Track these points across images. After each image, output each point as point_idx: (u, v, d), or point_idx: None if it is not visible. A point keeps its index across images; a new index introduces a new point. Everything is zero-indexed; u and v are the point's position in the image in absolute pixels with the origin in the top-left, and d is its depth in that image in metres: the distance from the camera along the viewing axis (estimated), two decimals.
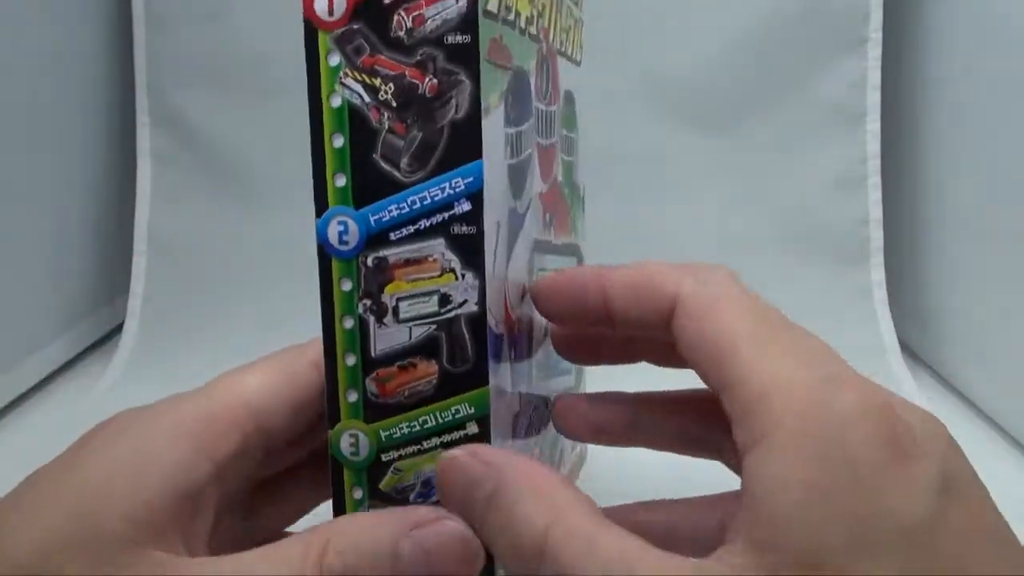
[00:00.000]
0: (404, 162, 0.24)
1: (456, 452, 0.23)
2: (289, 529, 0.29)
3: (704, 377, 0.23)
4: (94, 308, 0.64)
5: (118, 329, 0.64)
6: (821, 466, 0.19)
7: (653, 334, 0.25)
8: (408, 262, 0.24)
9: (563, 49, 0.32)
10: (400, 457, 0.24)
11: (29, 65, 0.55)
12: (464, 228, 0.23)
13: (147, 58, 0.64)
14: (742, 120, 0.65)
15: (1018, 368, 0.51)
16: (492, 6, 0.23)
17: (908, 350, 0.63)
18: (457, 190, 0.23)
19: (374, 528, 0.22)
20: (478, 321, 0.24)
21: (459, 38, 0.23)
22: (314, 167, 0.24)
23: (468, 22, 0.23)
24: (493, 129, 0.24)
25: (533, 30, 0.28)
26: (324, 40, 0.23)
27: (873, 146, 0.64)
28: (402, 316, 0.24)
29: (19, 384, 0.54)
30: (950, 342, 0.60)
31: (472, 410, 0.24)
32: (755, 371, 0.21)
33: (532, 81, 0.28)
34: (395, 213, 0.24)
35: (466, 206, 0.23)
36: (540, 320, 0.29)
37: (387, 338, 0.24)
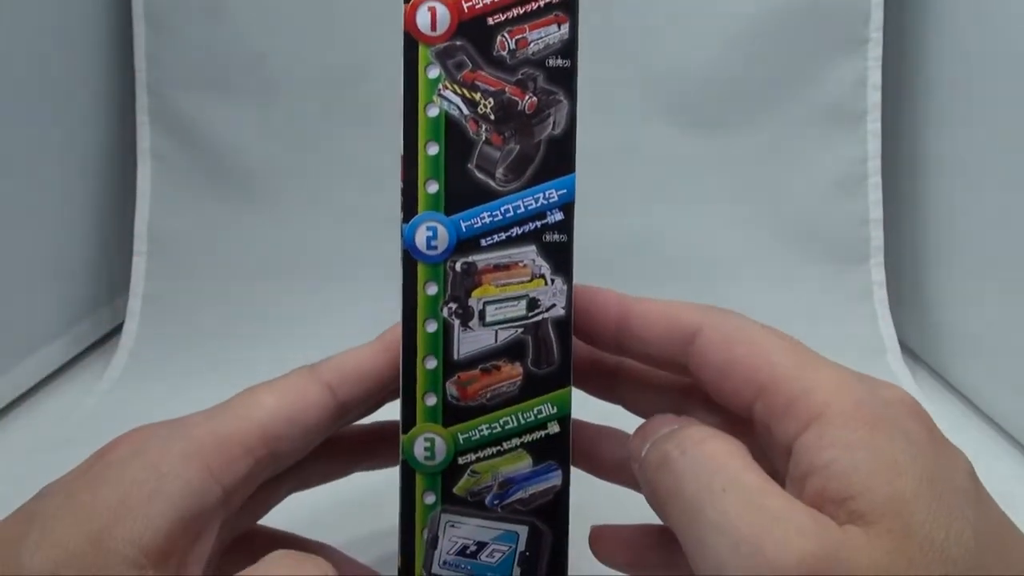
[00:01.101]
0: (500, 172, 0.25)
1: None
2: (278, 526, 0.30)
3: (731, 393, 0.24)
4: (94, 308, 0.64)
5: (118, 329, 0.64)
6: (879, 432, 0.21)
7: (663, 364, 0.27)
8: (497, 267, 0.25)
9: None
10: (478, 459, 0.25)
11: (28, 65, 0.55)
12: (556, 236, 0.25)
13: (147, 58, 0.64)
14: (742, 120, 0.65)
15: (1018, 368, 0.51)
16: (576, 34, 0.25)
17: (908, 350, 0.63)
18: (551, 201, 0.25)
19: None
20: (565, 324, 0.25)
21: (560, 62, 0.25)
22: (406, 174, 0.25)
23: (569, 48, 0.25)
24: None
25: None
26: (424, 53, 0.25)
27: (873, 146, 0.64)
28: (489, 319, 0.25)
29: (19, 384, 0.54)
30: (950, 342, 0.60)
31: (555, 410, 0.26)
32: (794, 373, 0.23)
33: None
34: (487, 220, 0.25)
35: (559, 216, 0.25)
36: None
37: (471, 341, 0.25)
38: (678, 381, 0.28)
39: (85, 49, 0.62)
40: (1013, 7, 0.51)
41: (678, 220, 0.65)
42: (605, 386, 0.30)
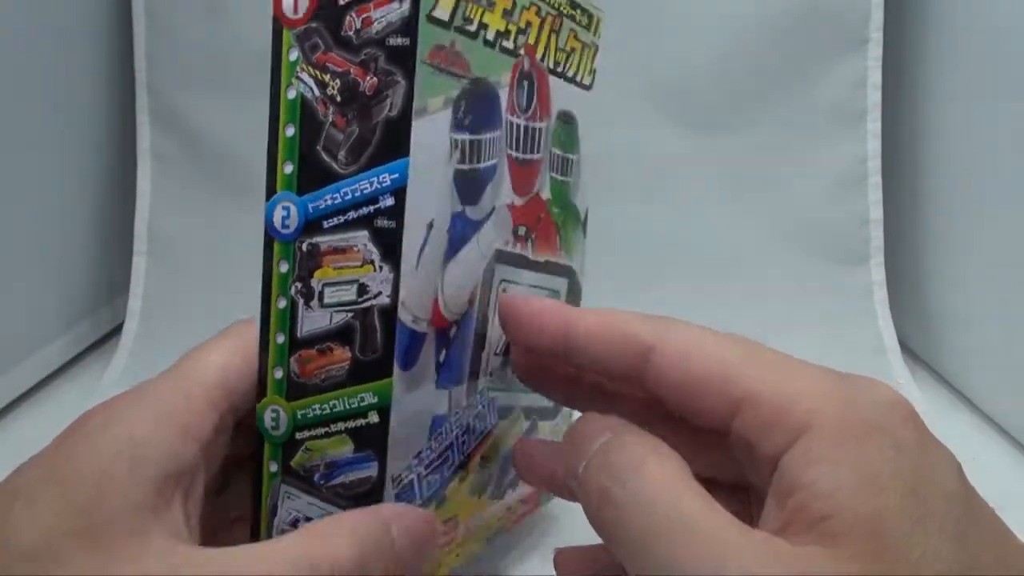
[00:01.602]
0: (341, 155, 0.25)
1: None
2: None
3: (701, 412, 0.23)
4: (94, 308, 0.64)
5: (118, 329, 0.64)
6: (865, 444, 0.21)
7: (617, 380, 0.26)
8: (336, 250, 0.25)
9: (561, 70, 0.33)
10: (311, 437, 0.25)
11: (28, 65, 0.55)
12: (386, 222, 0.24)
13: (147, 58, 0.64)
14: (742, 120, 0.65)
15: (1018, 368, 0.51)
16: (441, 14, 0.25)
17: (908, 350, 0.63)
18: (383, 185, 0.24)
19: (362, 521, 0.23)
20: (389, 314, 0.25)
21: (399, 40, 0.24)
22: (268, 153, 0.25)
23: (408, 26, 0.24)
24: (431, 131, 0.25)
25: (509, 45, 0.29)
26: (287, 36, 0.25)
27: (873, 146, 0.64)
28: (326, 301, 0.25)
29: (19, 384, 0.54)
30: (950, 342, 0.60)
31: (375, 400, 0.25)
32: (768, 383, 0.22)
33: (503, 94, 0.29)
34: (329, 202, 0.25)
35: (389, 201, 0.24)
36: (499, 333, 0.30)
37: (311, 321, 0.25)
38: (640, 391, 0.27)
39: (85, 49, 0.62)
40: (1013, 7, 0.51)
41: (678, 220, 0.65)
42: (565, 394, 0.29)
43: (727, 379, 0.22)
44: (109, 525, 0.21)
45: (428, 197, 0.25)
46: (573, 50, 0.34)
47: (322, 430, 0.25)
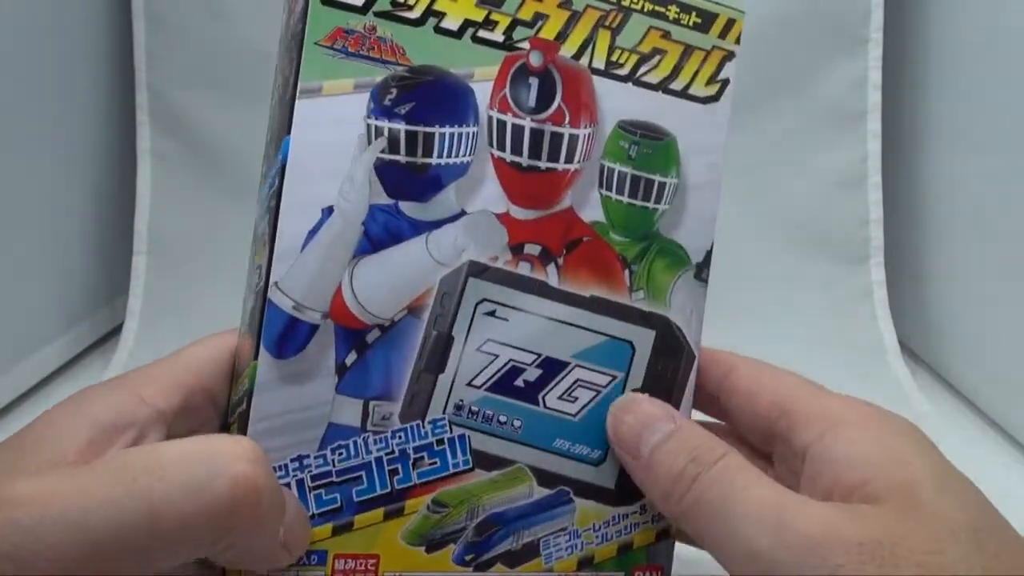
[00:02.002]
0: (270, 146, 0.27)
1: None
2: None
3: (756, 414, 0.29)
4: (94, 308, 0.64)
5: (118, 329, 0.64)
6: (887, 434, 0.25)
7: (701, 395, 0.30)
8: (261, 235, 0.26)
9: (637, 74, 0.29)
10: (233, 423, 0.26)
11: (28, 65, 0.55)
12: (274, 202, 0.24)
13: (147, 58, 0.64)
14: (742, 120, 0.65)
15: (1018, 368, 0.51)
16: None
17: (908, 350, 0.63)
18: (276, 166, 0.25)
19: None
20: (260, 296, 0.25)
21: (299, 26, 0.25)
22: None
23: (303, 11, 0.25)
24: (325, 111, 0.24)
25: (492, 36, 0.27)
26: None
27: (873, 146, 0.64)
28: (251, 287, 0.27)
29: (19, 384, 0.54)
30: (950, 342, 0.60)
31: (247, 384, 0.25)
32: (813, 398, 0.27)
33: (480, 87, 0.27)
34: (265, 189, 0.26)
35: (277, 181, 0.24)
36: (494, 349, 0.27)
37: (245, 307, 0.27)
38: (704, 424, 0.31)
39: (85, 49, 0.62)
40: (1013, 7, 0.51)
41: None
42: None
43: (781, 391, 0.28)
44: (37, 455, 0.22)
45: (319, 179, 0.25)
46: (661, 52, 0.29)
47: (233, 417, 0.26)
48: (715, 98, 0.30)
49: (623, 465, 0.28)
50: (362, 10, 0.25)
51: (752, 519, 0.23)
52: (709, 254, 0.30)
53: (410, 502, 0.26)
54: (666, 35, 0.29)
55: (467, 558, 0.27)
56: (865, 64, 0.63)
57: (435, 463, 0.26)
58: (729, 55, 0.30)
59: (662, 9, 0.29)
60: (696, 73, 0.29)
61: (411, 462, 0.26)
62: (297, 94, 0.24)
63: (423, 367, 0.26)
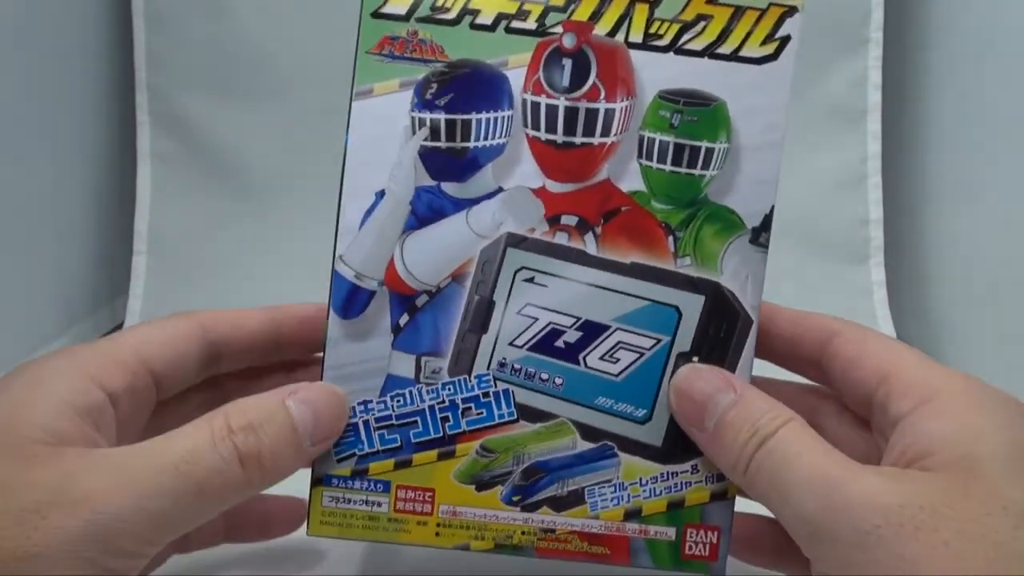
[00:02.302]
0: None
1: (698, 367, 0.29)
2: None
3: (857, 381, 0.28)
4: (94, 308, 0.64)
5: (118, 329, 0.64)
6: (975, 411, 0.24)
7: (801, 357, 0.30)
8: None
9: (680, 43, 0.29)
10: None
11: (28, 65, 0.55)
12: (339, 188, 0.29)
13: (147, 58, 0.64)
14: None
15: (1018, 368, 0.51)
16: (395, 9, 0.28)
17: None
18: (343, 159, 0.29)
19: (261, 398, 0.26)
20: (331, 268, 0.29)
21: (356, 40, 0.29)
22: None
23: (357, 26, 0.28)
24: (376, 110, 0.28)
25: (526, 25, 0.29)
26: None
27: (873, 146, 0.64)
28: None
29: None
30: (950, 342, 0.60)
31: (324, 339, 0.29)
32: (912, 365, 0.27)
33: (514, 74, 0.29)
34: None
35: (341, 171, 0.29)
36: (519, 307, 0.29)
37: None
38: (806, 388, 0.32)
39: (85, 49, 0.62)
40: (1013, 7, 0.51)
41: None
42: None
43: (885, 358, 0.27)
44: (25, 439, 0.23)
45: (373, 168, 0.29)
46: (706, 18, 0.29)
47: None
48: (772, 57, 0.29)
49: (692, 439, 0.28)
50: (405, 18, 0.28)
51: (803, 485, 0.24)
52: (769, 217, 0.29)
53: (460, 446, 0.29)
54: (712, 0, 0.29)
55: (514, 499, 0.29)
56: (865, 64, 0.63)
57: (482, 413, 0.29)
58: (790, 10, 0.30)
59: None
60: (748, 35, 0.29)
61: (460, 411, 0.29)
62: (353, 96, 0.28)
63: (467, 328, 0.29)
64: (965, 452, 0.23)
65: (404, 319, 0.29)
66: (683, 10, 0.29)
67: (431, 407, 0.29)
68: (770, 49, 0.29)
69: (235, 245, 0.65)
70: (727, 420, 0.26)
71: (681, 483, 0.29)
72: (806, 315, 0.30)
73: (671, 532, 0.29)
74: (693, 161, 0.29)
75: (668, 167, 0.29)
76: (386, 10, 0.28)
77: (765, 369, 0.31)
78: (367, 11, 0.28)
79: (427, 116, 0.29)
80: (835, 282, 0.64)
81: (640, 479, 0.29)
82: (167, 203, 0.65)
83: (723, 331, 0.29)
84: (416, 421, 0.29)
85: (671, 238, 0.29)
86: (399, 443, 0.29)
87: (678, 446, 0.29)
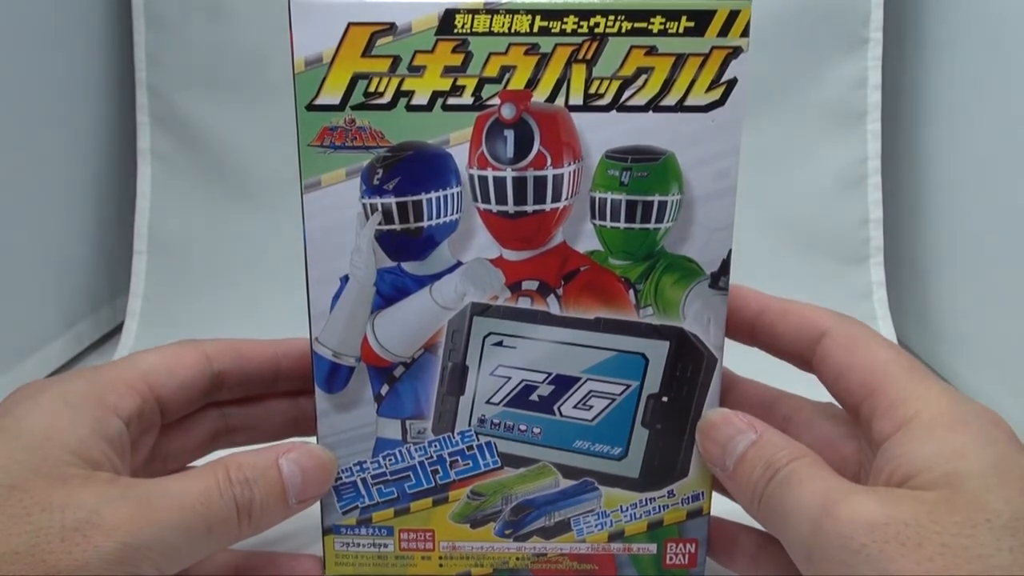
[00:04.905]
0: None
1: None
2: None
3: (844, 392, 0.28)
4: (94, 308, 0.64)
5: (118, 329, 0.64)
6: (954, 432, 0.25)
7: (792, 354, 0.30)
8: None
9: (622, 100, 0.28)
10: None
11: (28, 65, 0.55)
12: (305, 275, 0.29)
13: (147, 58, 0.64)
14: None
15: (1018, 368, 0.51)
16: (328, 99, 0.28)
17: (908, 350, 0.63)
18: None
19: (258, 454, 0.28)
20: (310, 348, 0.30)
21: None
22: None
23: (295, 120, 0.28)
24: (326, 200, 0.28)
25: (463, 101, 0.28)
26: None
27: (873, 146, 0.64)
28: None
29: (20, 383, 0.54)
30: (950, 342, 0.60)
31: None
32: (900, 383, 0.27)
33: (458, 151, 0.28)
34: None
35: (304, 259, 0.29)
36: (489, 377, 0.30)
37: None
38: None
39: (85, 49, 0.62)
40: (1012, 7, 0.51)
41: None
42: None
43: (870, 372, 0.27)
44: (59, 461, 0.25)
45: (334, 254, 0.29)
46: (646, 71, 0.27)
47: None
48: (720, 102, 0.28)
49: (716, 478, 0.30)
50: (340, 107, 0.28)
51: (801, 509, 0.24)
52: (727, 262, 0.29)
53: (452, 492, 0.31)
54: (651, 51, 0.27)
55: (507, 532, 0.32)
56: (865, 64, 0.63)
57: (468, 464, 0.31)
58: (734, 51, 0.28)
59: (643, 24, 0.27)
60: (693, 82, 0.28)
61: (448, 463, 0.31)
62: (302, 189, 0.28)
63: (445, 391, 0.30)
64: (949, 470, 0.23)
65: (384, 389, 0.30)
66: (621, 66, 0.27)
67: (421, 463, 0.31)
68: (716, 95, 0.28)
69: (235, 245, 0.65)
70: (746, 459, 0.27)
71: (659, 507, 0.31)
72: (798, 308, 0.30)
73: (652, 547, 0.32)
74: (647, 216, 0.29)
75: (622, 224, 0.29)
76: (320, 101, 0.28)
77: (763, 359, 0.32)
78: (301, 104, 0.28)
79: (377, 201, 0.29)
80: (835, 282, 0.64)
81: (621, 506, 0.31)
82: (167, 203, 0.65)
83: (689, 371, 0.30)
84: (409, 475, 0.31)
85: (632, 291, 0.29)
86: (396, 495, 0.31)
87: (654, 476, 0.31)
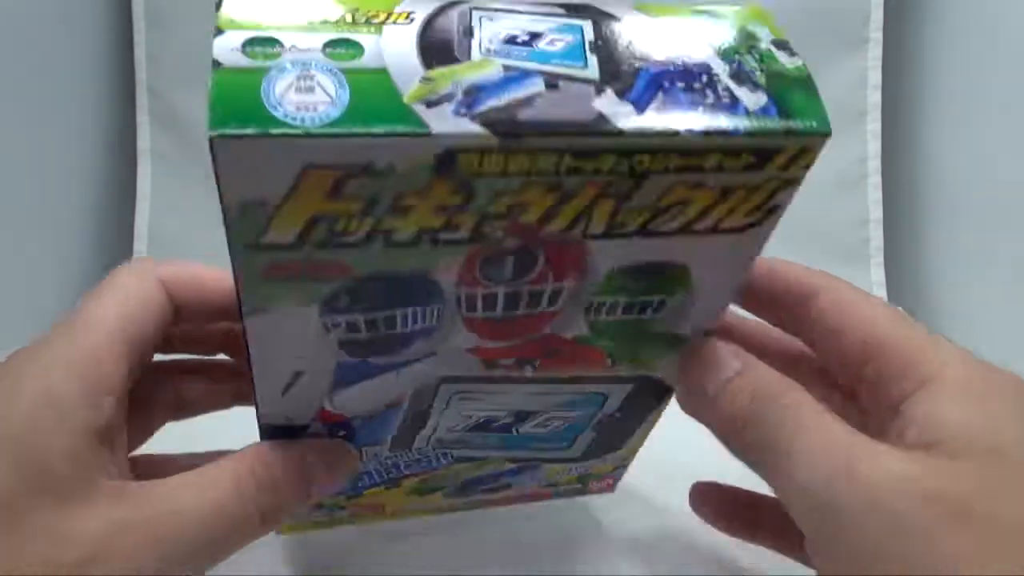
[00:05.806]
0: None
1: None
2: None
3: (839, 355, 0.26)
4: None
5: None
6: (985, 399, 0.23)
7: (779, 316, 0.28)
8: None
9: (652, 227, 0.22)
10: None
11: (29, 65, 0.55)
12: (248, 371, 0.24)
13: (147, 58, 0.64)
14: None
15: (1018, 368, 0.50)
16: (278, 238, 0.20)
17: None
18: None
19: (287, 452, 0.26)
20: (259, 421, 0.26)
21: (232, 254, 0.22)
22: None
23: (230, 248, 0.22)
24: (281, 321, 0.22)
25: (457, 236, 0.21)
26: None
27: (873, 146, 0.64)
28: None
29: None
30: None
31: None
32: (906, 338, 0.24)
33: (444, 275, 0.22)
34: None
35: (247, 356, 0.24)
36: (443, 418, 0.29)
37: None
38: (789, 348, 0.29)
39: (85, 49, 0.62)
40: (1013, 7, 0.51)
41: None
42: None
43: (873, 327, 0.25)
44: (54, 474, 0.22)
45: (284, 361, 0.24)
46: (685, 202, 0.22)
47: None
48: (756, 223, 0.23)
49: (695, 406, 0.27)
50: (295, 247, 0.21)
51: (817, 458, 0.22)
52: (713, 328, 0.27)
53: (405, 482, 0.32)
54: (698, 185, 0.22)
55: (454, 497, 0.34)
56: (865, 64, 0.63)
57: (422, 464, 0.31)
58: (789, 183, 0.22)
59: (697, 161, 0.21)
60: (732, 211, 0.23)
61: (402, 465, 0.31)
62: (243, 314, 0.22)
63: (406, 424, 0.28)
64: (991, 441, 0.22)
65: (341, 433, 0.28)
66: (660, 199, 0.21)
67: (376, 469, 0.31)
68: (755, 217, 0.23)
69: None
70: (729, 387, 0.25)
71: (589, 466, 0.34)
72: (784, 267, 0.28)
73: (579, 487, 0.36)
74: (645, 310, 0.25)
75: (618, 317, 0.25)
76: (266, 240, 0.21)
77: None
78: (239, 243, 0.21)
79: (342, 319, 0.23)
80: None
81: (559, 471, 0.34)
82: (167, 202, 0.65)
83: (649, 396, 0.29)
84: (363, 477, 0.31)
85: (609, 359, 0.27)
86: (351, 490, 0.32)
87: (593, 453, 0.33)
